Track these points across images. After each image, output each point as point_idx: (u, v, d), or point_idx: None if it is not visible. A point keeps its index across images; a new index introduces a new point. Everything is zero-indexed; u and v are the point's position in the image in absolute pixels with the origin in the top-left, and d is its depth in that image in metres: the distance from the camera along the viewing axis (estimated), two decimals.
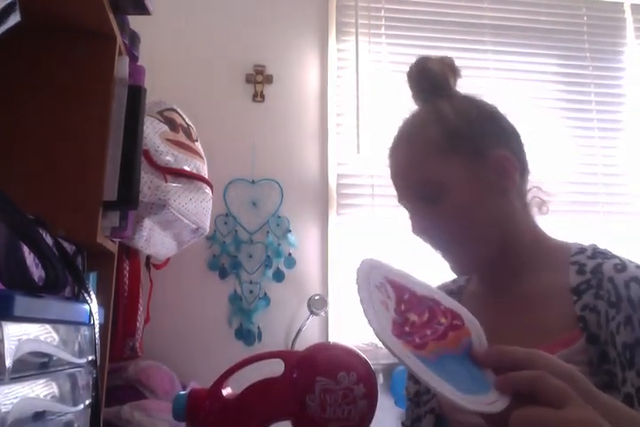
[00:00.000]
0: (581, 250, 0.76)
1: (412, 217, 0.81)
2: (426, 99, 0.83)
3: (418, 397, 0.86)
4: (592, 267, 0.72)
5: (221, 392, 0.54)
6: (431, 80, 0.82)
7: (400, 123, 0.84)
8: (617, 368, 0.64)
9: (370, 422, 0.52)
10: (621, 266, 0.69)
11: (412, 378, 0.89)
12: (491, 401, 0.45)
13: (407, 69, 0.84)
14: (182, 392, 0.55)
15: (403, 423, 0.90)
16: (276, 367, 0.53)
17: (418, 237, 0.81)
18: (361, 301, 0.50)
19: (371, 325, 0.48)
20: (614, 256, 0.74)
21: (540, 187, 0.84)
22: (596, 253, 0.75)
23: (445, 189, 0.75)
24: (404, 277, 0.57)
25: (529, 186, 0.83)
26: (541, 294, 0.75)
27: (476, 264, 0.80)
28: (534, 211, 0.83)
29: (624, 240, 2.13)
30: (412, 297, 0.55)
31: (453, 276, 0.87)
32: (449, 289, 0.90)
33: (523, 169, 0.80)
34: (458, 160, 0.76)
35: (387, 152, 0.83)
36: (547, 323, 0.72)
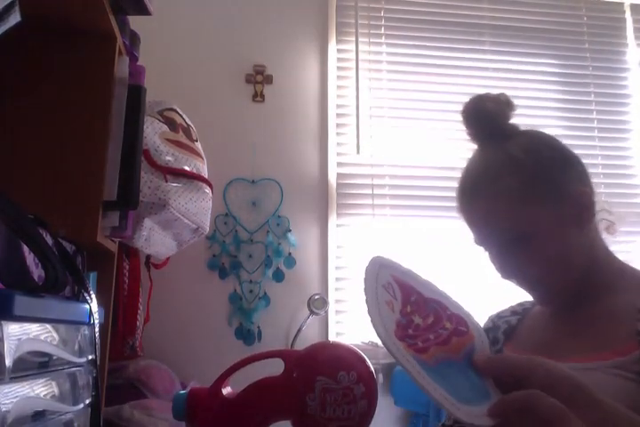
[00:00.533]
0: None
1: (498, 262, 0.82)
2: (487, 139, 0.83)
3: None
4: None
5: (221, 391, 0.54)
6: (490, 121, 0.81)
7: (468, 166, 0.83)
8: None
9: (369, 421, 0.52)
10: None
11: None
12: (485, 413, 0.45)
13: (462, 109, 0.83)
14: (182, 391, 0.55)
15: (443, 424, 0.88)
16: (275, 367, 0.53)
17: (507, 280, 0.82)
18: (366, 301, 0.50)
19: (374, 325, 0.48)
20: None
21: (607, 209, 0.85)
22: None
23: (530, 235, 0.76)
24: (412, 278, 0.57)
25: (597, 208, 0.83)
26: (608, 312, 0.76)
27: (562, 297, 0.81)
28: (603, 233, 0.84)
29: (623, 240, 2.13)
30: (418, 299, 0.54)
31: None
32: (514, 310, 0.91)
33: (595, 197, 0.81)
34: (540, 206, 0.77)
35: (459, 198, 0.83)
36: (607, 335, 0.73)
